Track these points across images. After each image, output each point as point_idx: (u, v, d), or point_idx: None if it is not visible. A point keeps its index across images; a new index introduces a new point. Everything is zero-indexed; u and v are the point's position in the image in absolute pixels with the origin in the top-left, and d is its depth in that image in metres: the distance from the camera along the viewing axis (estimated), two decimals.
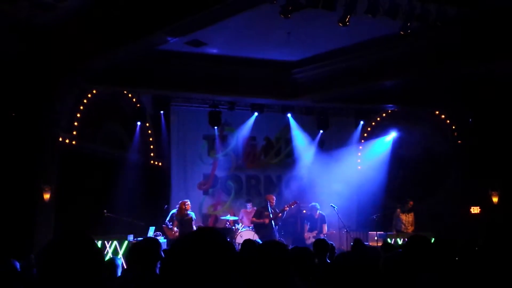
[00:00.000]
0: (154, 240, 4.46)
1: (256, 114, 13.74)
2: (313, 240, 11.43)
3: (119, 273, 5.01)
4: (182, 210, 11.09)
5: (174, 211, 11.50)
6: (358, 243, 6.80)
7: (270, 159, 14.36)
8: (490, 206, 12.92)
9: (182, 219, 11.01)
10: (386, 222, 12.22)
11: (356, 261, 3.30)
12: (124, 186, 11.81)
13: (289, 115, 13.91)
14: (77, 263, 2.10)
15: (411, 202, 12.01)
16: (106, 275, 4.77)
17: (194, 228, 11.13)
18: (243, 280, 2.62)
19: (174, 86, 12.21)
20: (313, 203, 12.14)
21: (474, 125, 12.95)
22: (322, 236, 11.28)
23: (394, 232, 11.71)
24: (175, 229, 11.15)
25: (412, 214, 12.01)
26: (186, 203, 11.19)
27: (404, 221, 11.91)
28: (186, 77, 11.99)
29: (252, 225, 11.70)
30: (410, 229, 11.91)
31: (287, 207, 11.61)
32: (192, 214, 11.26)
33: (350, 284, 3.13)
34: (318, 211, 11.97)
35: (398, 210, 11.98)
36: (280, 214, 11.54)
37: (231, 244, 1.99)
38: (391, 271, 3.91)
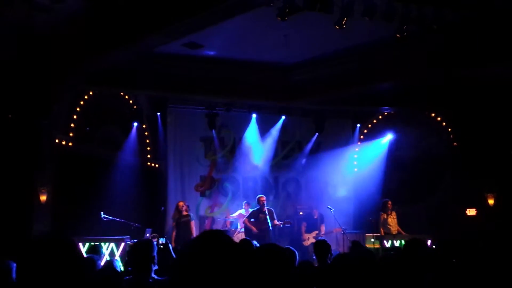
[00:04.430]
0: (147, 243, 4.47)
1: (254, 115, 13.75)
2: (313, 240, 11.49)
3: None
4: (178, 211, 11.09)
5: None
6: (356, 245, 6.83)
7: (267, 161, 14.35)
8: (486, 208, 12.97)
9: (179, 221, 11.00)
10: (378, 224, 12.20)
11: (356, 262, 3.32)
12: (121, 187, 11.80)
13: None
14: (56, 268, 2.08)
15: (389, 202, 11.95)
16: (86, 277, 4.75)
17: (194, 229, 11.11)
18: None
19: (171, 88, 12.21)
20: (313, 203, 12.17)
21: (470, 127, 13.00)
22: (321, 237, 11.31)
23: (384, 235, 11.69)
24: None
25: (394, 213, 11.96)
26: (181, 204, 11.18)
27: (390, 223, 11.88)
28: (183, 79, 12.00)
29: (243, 226, 11.67)
30: (396, 229, 11.84)
31: (281, 224, 11.57)
32: (191, 215, 11.26)
33: (349, 285, 3.16)
34: (317, 211, 11.98)
35: (383, 214, 11.93)
36: (276, 223, 11.48)
37: (238, 245, 1.98)
38: (389, 273, 3.94)
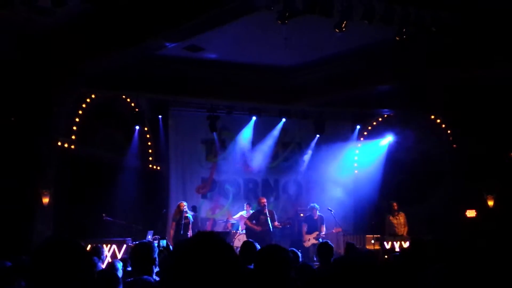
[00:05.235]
0: (147, 244, 4.52)
1: (254, 118, 13.81)
2: (314, 241, 11.55)
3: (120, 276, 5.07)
4: (178, 212, 11.16)
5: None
6: (351, 247, 6.86)
7: (268, 163, 14.41)
8: (486, 210, 13.00)
9: (180, 222, 11.08)
10: (384, 226, 12.28)
11: (350, 265, 3.37)
12: (122, 190, 11.86)
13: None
14: (66, 270, 2.13)
15: (394, 204, 12.07)
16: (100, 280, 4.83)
17: (190, 231, 11.17)
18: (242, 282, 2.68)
19: (173, 90, 12.28)
20: (313, 204, 12.22)
21: (470, 129, 13.04)
22: (321, 237, 11.36)
23: (386, 236, 11.76)
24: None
25: (402, 215, 12.05)
26: (183, 205, 11.27)
27: (395, 224, 11.97)
28: (185, 82, 12.06)
29: (245, 227, 11.71)
30: (403, 230, 11.96)
31: (281, 225, 11.60)
32: (190, 217, 11.31)
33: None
34: (317, 212, 12.04)
35: (388, 216, 12.06)
36: (276, 224, 11.54)
37: (232, 247, 2.04)
38: (391, 274, 3.99)
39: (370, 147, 14.59)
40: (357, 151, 14.84)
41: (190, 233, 11.18)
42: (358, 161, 14.82)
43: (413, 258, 4.26)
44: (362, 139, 14.85)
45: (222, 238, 1.98)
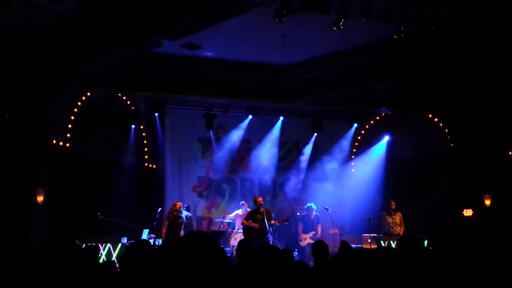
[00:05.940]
0: (143, 243, 4.48)
1: (250, 117, 13.76)
2: (310, 241, 11.52)
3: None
4: (173, 211, 11.12)
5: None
6: (345, 246, 6.80)
7: (265, 162, 14.34)
8: (483, 209, 13.01)
9: (174, 221, 11.04)
10: (380, 224, 12.27)
11: (343, 264, 3.34)
12: (118, 188, 11.81)
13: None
14: (63, 270, 2.13)
15: (393, 203, 12.05)
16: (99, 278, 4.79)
17: (182, 231, 11.13)
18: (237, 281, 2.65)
19: (169, 88, 12.23)
20: (309, 204, 12.18)
21: (467, 128, 13.04)
22: (318, 237, 11.32)
23: (382, 235, 11.73)
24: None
25: (398, 214, 12.03)
26: (179, 204, 11.22)
27: (391, 223, 11.95)
28: (181, 80, 12.01)
29: (242, 227, 11.66)
30: (399, 230, 11.92)
31: (278, 222, 11.57)
32: (183, 217, 11.25)
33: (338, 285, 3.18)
34: (314, 212, 12.01)
35: (385, 214, 12.05)
36: (273, 222, 11.49)
37: (221, 248, 2.05)
38: (386, 273, 3.95)
39: (367, 146, 14.56)
40: (354, 150, 14.83)
41: (182, 233, 11.14)
42: (355, 159, 14.80)
43: (409, 258, 4.22)
44: (359, 137, 14.84)
45: (211, 239, 2.01)
